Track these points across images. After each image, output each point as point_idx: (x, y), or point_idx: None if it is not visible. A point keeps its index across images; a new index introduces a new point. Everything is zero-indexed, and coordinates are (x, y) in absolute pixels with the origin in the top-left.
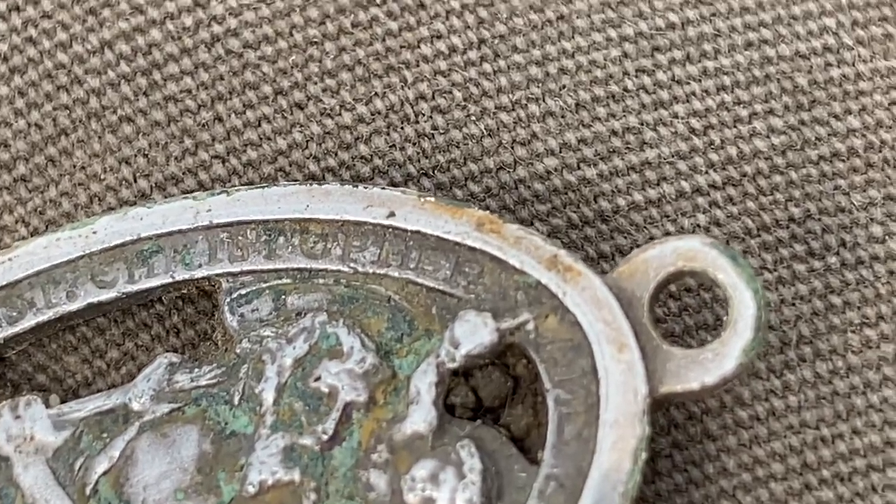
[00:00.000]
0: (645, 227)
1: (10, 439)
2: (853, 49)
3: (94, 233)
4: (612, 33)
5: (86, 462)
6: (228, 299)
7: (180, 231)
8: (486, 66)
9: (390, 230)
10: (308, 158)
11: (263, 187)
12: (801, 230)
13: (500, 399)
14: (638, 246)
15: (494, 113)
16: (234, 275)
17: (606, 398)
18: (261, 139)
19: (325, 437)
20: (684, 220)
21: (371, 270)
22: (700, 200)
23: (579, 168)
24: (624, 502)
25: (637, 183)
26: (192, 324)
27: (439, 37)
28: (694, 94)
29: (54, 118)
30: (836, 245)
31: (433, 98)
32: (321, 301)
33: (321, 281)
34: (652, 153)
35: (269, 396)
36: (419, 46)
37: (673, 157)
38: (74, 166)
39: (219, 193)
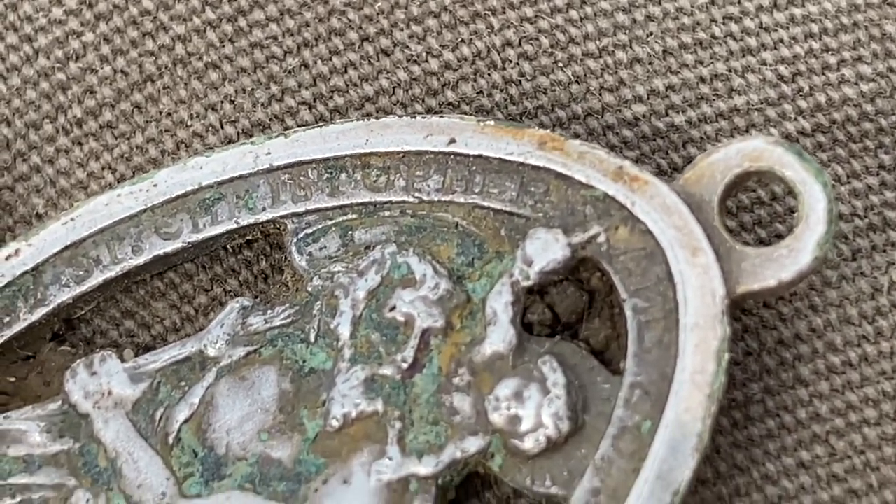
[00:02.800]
0: None
1: (88, 396)
2: None
3: (155, 185)
4: None
5: (166, 412)
6: (295, 240)
7: (241, 176)
8: (573, 13)
9: (452, 157)
10: (395, 105)
11: (321, 126)
12: (891, 177)
13: (577, 314)
14: None
15: (581, 60)
16: (298, 215)
17: (685, 302)
18: (347, 86)
19: (405, 366)
20: None
21: (436, 198)
22: None
23: (667, 115)
24: (711, 404)
25: (726, 130)
26: (280, 270)
27: None
28: (782, 41)
29: (140, 65)
30: None
31: (520, 45)
32: (388, 233)
33: (387, 213)
34: (740, 100)
35: (345, 330)
36: None
37: (761, 104)
38: (161, 113)
39: (277, 136)
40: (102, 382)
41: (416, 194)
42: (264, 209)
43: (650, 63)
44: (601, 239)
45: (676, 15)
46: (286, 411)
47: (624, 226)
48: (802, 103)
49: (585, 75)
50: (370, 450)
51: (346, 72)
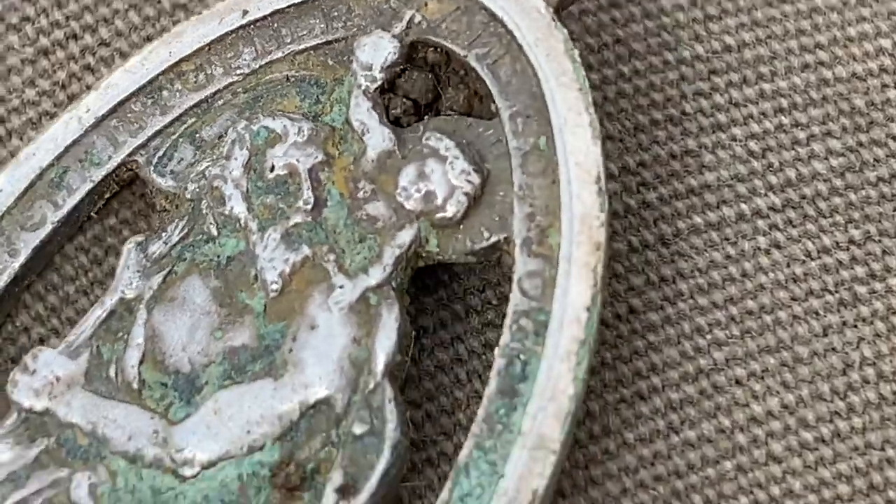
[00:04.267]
0: (705, 251)
1: (39, 393)
2: None
3: (0, 191)
4: (669, 57)
5: (118, 366)
6: (151, 168)
7: (74, 141)
8: None
9: (251, 26)
10: None
11: (123, 64)
12: (860, 252)
13: (432, 91)
14: (699, 270)
15: None
16: (143, 146)
17: (517, 27)
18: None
19: (309, 207)
20: (745, 242)
21: (257, 66)
22: (760, 223)
23: (639, 192)
24: (586, 101)
25: (697, 206)
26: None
27: None
28: (752, 116)
29: None
30: None
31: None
32: (232, 116)
33: (221, 102)
34: (711, 176)
35: (240, 208)
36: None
37: (732, 179)
38: None
39: (89, 93)
40: (46, 374)
41: (238, 72)
42: (110, 157)
43: (621, 140)
44: (417, 19)
45: (647, 91)
46: (226, 304)
47: None
48: (773, 178)
49: None
50: (319, 290)
51: None
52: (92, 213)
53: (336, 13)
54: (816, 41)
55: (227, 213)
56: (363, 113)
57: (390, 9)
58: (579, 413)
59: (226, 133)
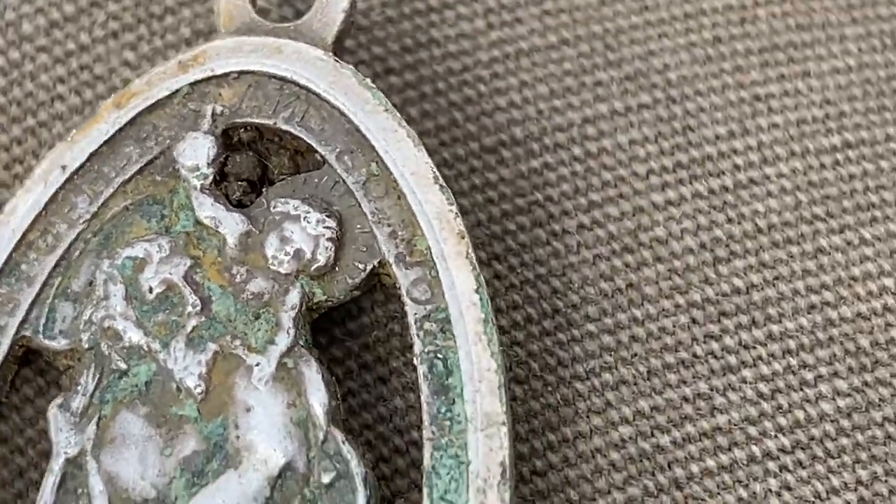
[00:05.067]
0: (718, 493)
1: None
2: None
3: None
4: (681, 300)
5: None
6: (40, 336)
7: None
8: (560, 336)
9: (75, 176)
10: None
11: None
12: (868, 493)
13: (260, 167)
14: None
15: (569, 382)
16: (24, 321)
17: (307, 80)
18: None
19: (198, 308)
20: (756, 484)
21: (95, 209)
22: (770, 465)
23: (653, 435)
24: (417, 147)
25: (709, 449)
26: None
27: (515, 307)
28: (761, 358)
29: None
30: None
31: (510, 369)
32: (93, 261)
33: (77, 253)
34: (722, 419)
35: (137, 336)
36: (496, 318)
37: (743, 421)
38: None
39: None
40: None
41: (81, 222)
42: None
43: (635, 384)
44: (219, 110)
45: (659, 335)
46: (162, 423)
47: (222, 87)
48: (782, 420)
49: (573, 398)
50: (240, 375)
51: None
52: (3, 399)
53: (144, 134)
54: (822, 281)
55: (127, 345)
56: (208, 209)
57: (191, 111)
58: (508, 381)
59: (94, 278)
